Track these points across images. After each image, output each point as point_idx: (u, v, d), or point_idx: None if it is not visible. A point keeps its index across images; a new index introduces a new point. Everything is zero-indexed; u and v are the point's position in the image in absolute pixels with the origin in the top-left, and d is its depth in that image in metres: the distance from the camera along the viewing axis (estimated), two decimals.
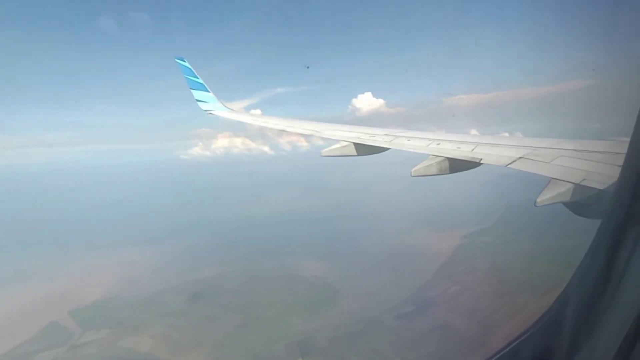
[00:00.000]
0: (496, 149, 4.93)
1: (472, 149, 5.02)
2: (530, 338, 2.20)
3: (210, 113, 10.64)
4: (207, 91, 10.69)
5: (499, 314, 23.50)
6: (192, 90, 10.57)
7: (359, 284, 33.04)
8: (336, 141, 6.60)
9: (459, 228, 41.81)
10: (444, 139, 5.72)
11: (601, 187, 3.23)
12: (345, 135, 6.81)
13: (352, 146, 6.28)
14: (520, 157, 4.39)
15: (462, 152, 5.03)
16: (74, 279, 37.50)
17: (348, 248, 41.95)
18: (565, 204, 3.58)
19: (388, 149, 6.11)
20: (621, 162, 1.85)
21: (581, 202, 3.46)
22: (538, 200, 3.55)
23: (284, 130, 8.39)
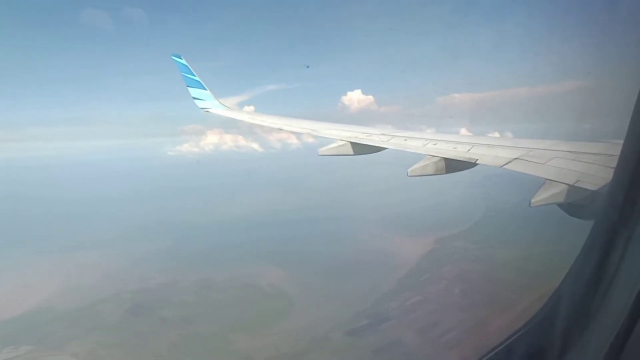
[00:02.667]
0: (492, 149, 4.98)
1: (468, 150, 5.07)
2: (524, 336, 2.24)
3: (207, 111, 10.61)
4: (204, 89, 10.64)
5: (456, 330, 22.32)
6: (188, 88, 10.52)
7: (316, 294, 30.69)
8: (331, 140, 6.64)
9: (435, 231, 39.87)
10: (440, 139, 5.76)
11: (594, 189, 3.27)
12: (342, 134, 6.83)
13: (349, 145, 6.31)
14: (515, 158, 4.45)
15: (458, 152, 5.07)
16: (11, 286, 33.88)
17: (315, 253, 39.17)
18: (559, 204, 3.63)
19: (385, 148, 6.14)
20: (614, 164, 1.88)
21: (575, 203, 3.50)
22: (533, 200, 3.59)
23: (281, 129, 8.40)
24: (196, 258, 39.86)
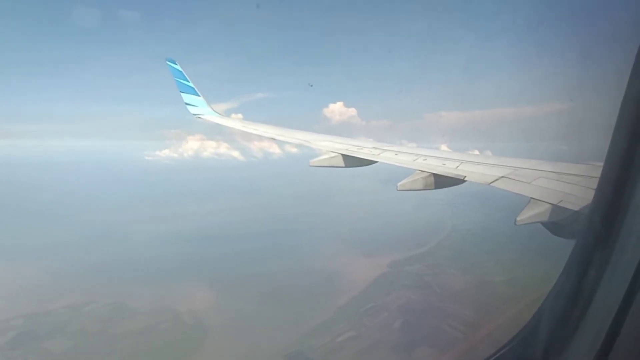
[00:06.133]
0: (480, 167, 5.09)
1: (457, 166, 5.17)
2: (511, 350, 2.27)
3: (199, 117, 10.57)
4: (197, 95, 10.62)
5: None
6: (181, 94, 10.48)
7: (238, 325, 26.63)
8: (320, 151, 6.70)
9: (394, 251, 36.83)
10: (430, 154, 5.87)
11: (576, 209, 3.37)
12: (334, 146, 6.89)
13: (340, 157, 6.37)
14: (502, 177, 4.55)
15: (447, 168, 5.16)
16: None
17: (255, 273, 34.57)
18: (543, 223, 3.72)
19: (375, 162, 6.21)
20: (595, 186, 1.95)
21: (558, 222, 3.60)
22: (518, 219, 3.67)
23: (273, 139, 8.42)
24: (122, 275, 34.54)
